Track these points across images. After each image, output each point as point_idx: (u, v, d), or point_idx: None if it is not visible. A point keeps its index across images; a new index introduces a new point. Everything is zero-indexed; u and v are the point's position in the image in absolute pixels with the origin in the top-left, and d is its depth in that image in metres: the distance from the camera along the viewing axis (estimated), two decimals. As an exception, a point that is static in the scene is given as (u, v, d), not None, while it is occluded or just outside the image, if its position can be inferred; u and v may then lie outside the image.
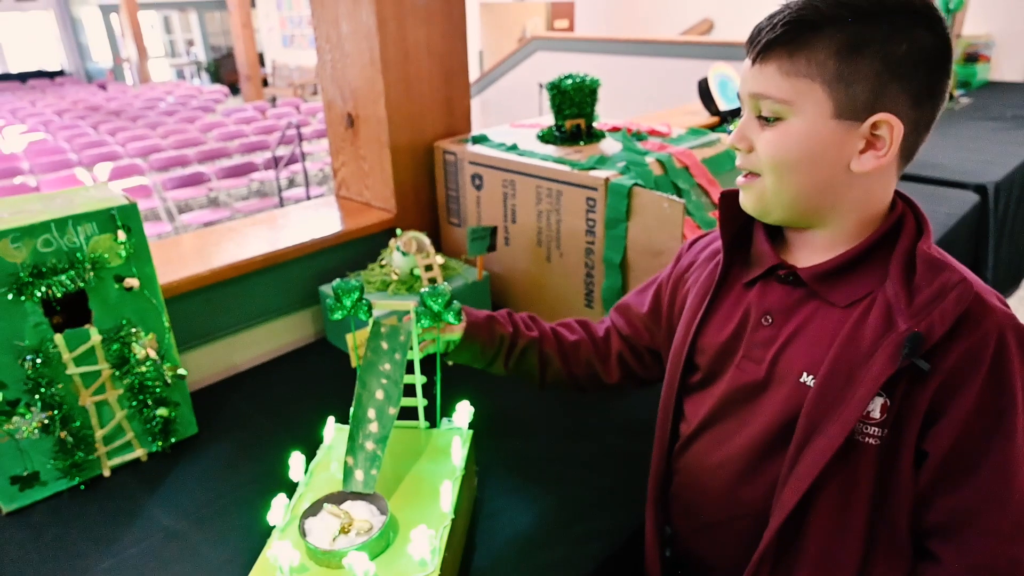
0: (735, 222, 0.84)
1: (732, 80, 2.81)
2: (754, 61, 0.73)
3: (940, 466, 0.70)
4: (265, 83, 13.38)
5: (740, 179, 0.79)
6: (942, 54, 0.69)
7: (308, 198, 6.25)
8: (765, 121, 0.73)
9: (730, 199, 0.83)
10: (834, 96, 0.69)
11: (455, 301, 0.96)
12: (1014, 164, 2.74)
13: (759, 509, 0.79)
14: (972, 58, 4.61)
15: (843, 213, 0.75)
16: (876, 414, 0.70)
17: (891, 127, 0.69)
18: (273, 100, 10.76)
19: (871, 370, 0.69)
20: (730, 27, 7.62)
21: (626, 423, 1.25)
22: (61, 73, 15.57)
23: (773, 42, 0.70)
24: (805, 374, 0.75)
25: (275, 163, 6.66)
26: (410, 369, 0.97)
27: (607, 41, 6.61)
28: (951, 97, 3.96)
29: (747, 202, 0.79)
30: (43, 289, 1.00)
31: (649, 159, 1.44)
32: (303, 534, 0.80)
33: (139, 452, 1.17)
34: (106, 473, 1.13)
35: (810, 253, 0.79)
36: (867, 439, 0.71)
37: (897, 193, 0.78)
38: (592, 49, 6.70)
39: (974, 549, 0.70)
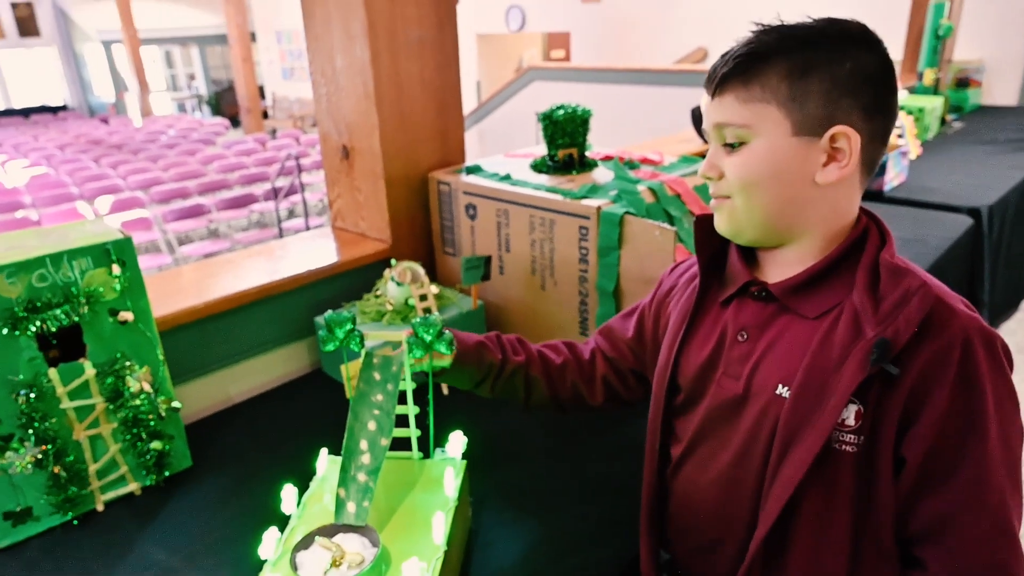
0: (711, 245, 0.88)
1: (724, 108, 2.84)
2: (713, 95, 0.79)
3: (918, 471, 0.71)
4: (265, 115, 13.53)
5: (713, 202, 0.83)
6: (884, 71, 0.75)
7: (307, 228, 6.29)
8: (730, 148, 0.78)
9: (705, 223, 0.87)
10: (791, 115, 0.74)
11: (447, 331, 0.96)
12: (1008, 187, 2.77)
13: (750, 524, 0.80)
14: (963, 83, 4.68)
15: (811, 228, 0.79)
16: (851, 421, 0.72)
17: (848, 138, 0.73)
18: (273, 132, 10.87)
19: (843, 378, 0.71)
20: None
21: (621, 450, 1.24)
22: (64, 108, 15.76)
23: (728, 75, 0.76)
24: (780, 386, 0.77)
25: (275, 194, 6.71)
26: (403, 399, 0.97)
27: (603, 71, 6.70)
28: (943, 122, 4.01)
29: (720, 223, 0.83)
30: (38, 324, 1.01)
31: (641, 187, 1.46)
32: (294, 568, 0.80)
33: (133, 486, 1.16)
34: (99, 507, 1.13)
35: (781, 269, 0.82)
36: (844, 447, 0.73)
37: (860, 208, 0.81)
38: (588, 78, 6.79)
39: (958, 554, 0.71)
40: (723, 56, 0.78)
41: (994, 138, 3.69)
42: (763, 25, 0.78)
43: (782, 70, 0.74)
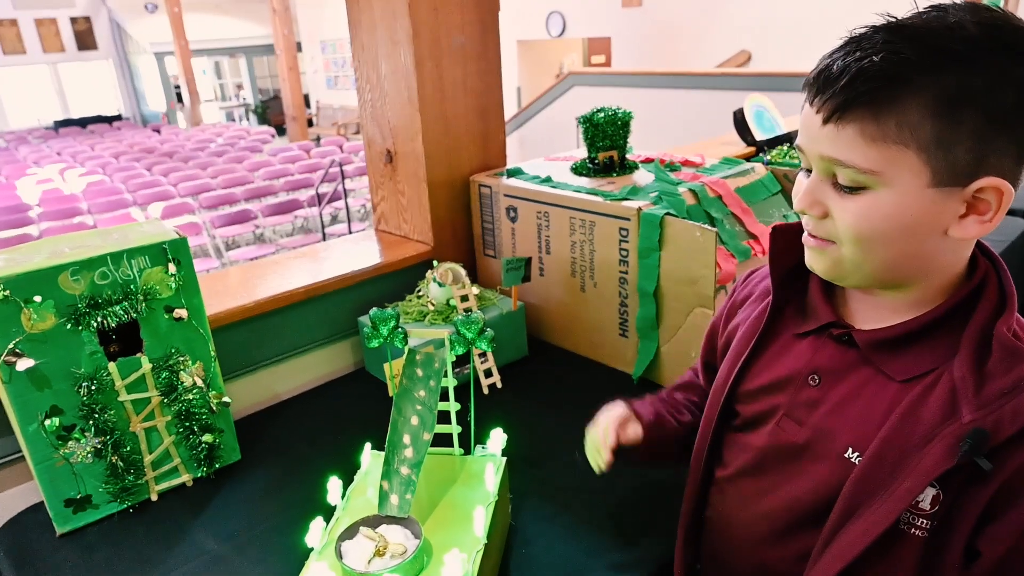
0: (787, 261, 0.76)
1: (768, 110, 2.81)
2: (826, 120, 0.62)
3: (993, 569, 0.63)
4: (310, 123, 13.82)
5: (810, 240, 0.70)
6: None
7: (350, 232, 6.40)
8: (843, 189, 0.64)
9: (784, 235, 0.75)
10: (931, 163, 0.59)
11: (488, 329, 0.98)
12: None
13: (785, 569, 0.75)
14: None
15: (925, 278, 0.67)
16: (926, 505, 0.64)
17: (1000, 193, 0.59)
18: (318, 139, 11.10)
19: (924, 460, 0.62)
20: (767, 59, 7.63)
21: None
22: (119, 118, 16.34)
23: (853, 101, 0.59)
24: (851, 449, 0.68)
25: (318, 200, 6.85)
26: (444, 396, 0.99)
27: (643, 75, 6.68)
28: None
29: (819, 267, 0.70)
30: (99, 319, 1.06)
31: (682, 189, 1.46)
32: (339, 556, 0.82)
33: (185, 477, 1.21)
34: (154, 497, 1.17)
35: (872, 314, 0.71)
36: (914, 530, 0.65)
37: (979, 247, 0.68)
38: (628, 83, 6.78)
39: None
40: (843, 67, 0.60)
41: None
42: (892, 21, 0.60)
43: (928, 102, 0.57)
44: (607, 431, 0.89)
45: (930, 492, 0.63)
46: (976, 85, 0.57)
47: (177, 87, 14.99)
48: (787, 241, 0.75)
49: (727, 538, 0.83)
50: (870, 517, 0.65)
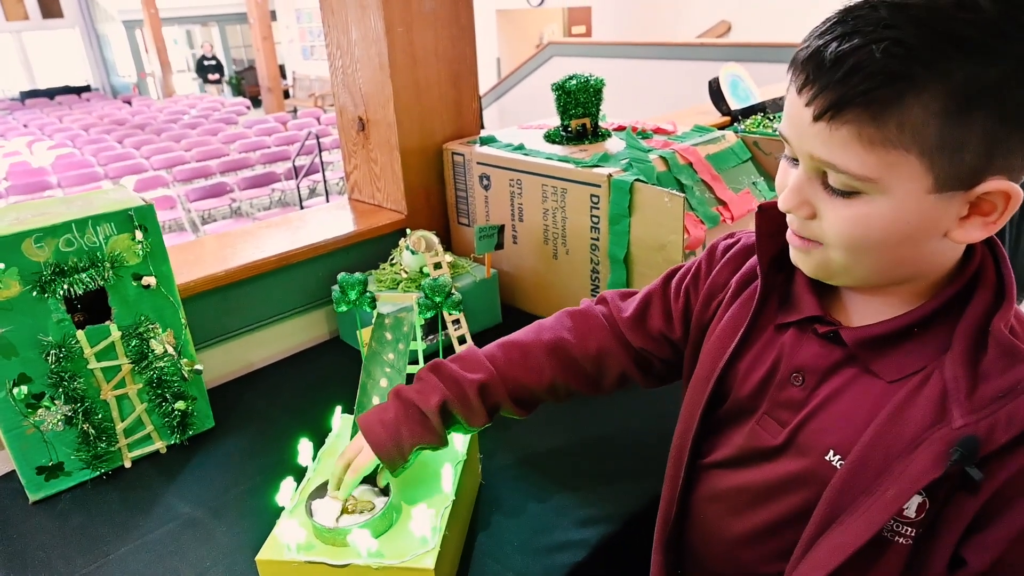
0: (775, 244, 0.70)
1: (743, 80, 2.81)
2: (818, 117, 0.55)
3: None
4: (286, 95, 13.59)
5: (795, 240, 0.65)
6: None
7: (328, 206, 6.34)
8: (834, 191, 0.58)
9: (771, 216, 0.69)
10: (934, 168, 0.53)
11: (455, 293, 0.99)
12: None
13: (763, 570, 0.73)
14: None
15: (919, 275, 0.62)
16: (912, 513, 0.60)
17: (1008, 196, 0.54)
18: (294, 111, 10.92)
19: (911, 467, 0.58)
20: (748, 29, 7.61)
21: (631, 411, 1.27)
22: (87, 88, 15.93)
23: (850, 99, 0.52)
24: (832, 452, 0.64)
25: (296, 173, 6.77)
26: (414, 359, 1.00)
27: (623, 45, 6.63)
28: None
29: (805, 267, 0.66)
30: (65, 287, 1.05)
31: (652, 156, 1.47)
32: (310, 514, 0.83)
33: (158, 444, 1.21)
34: (127, 464, 1.18)
35: (862, 309, 0.66)
36: (898, 538, 0.61)
37: None
38: (608, 53, 6.73)
39: None
40: (838, 53, 0.52)
41: None
42: (893, 0, 0.52)
43: (934, 101, 0.50)
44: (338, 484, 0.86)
45: (916, 500, 0.59)
46: (990, 79, 0.50)
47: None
48: (774, 223, 0.69)
49: (705, 532, 0.81)
50: (853, 525, 0.61)
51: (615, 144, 1.60)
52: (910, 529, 0.61)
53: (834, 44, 0.53)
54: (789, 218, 0.65)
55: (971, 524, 0.59)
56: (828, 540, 0.62)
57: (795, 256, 0.67)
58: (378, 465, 0.84)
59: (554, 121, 1.71)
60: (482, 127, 1.84)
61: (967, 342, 0.59)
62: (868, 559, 0.61)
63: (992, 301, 0.60)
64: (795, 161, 0.61)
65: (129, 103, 12.49)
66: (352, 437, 0.91)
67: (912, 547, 0.61)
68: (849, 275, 0.63)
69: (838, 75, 0.52)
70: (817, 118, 0.55)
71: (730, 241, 0.84)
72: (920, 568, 0.61)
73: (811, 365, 0.68)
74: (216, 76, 13.41)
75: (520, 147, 1.60)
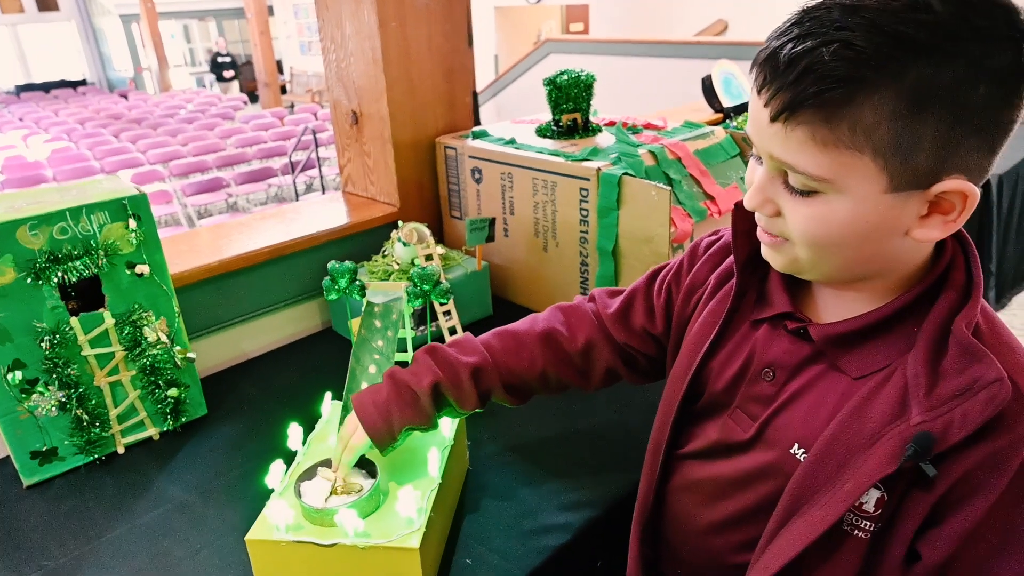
0: (751, 242, 0.71)
1: (735, 77, 2.84)
2: (774, 118, 0.56)
3: (934, 573, 0.61)
4: (284, 90, 13.58)
5: (764, 236, 0.66)
6: (1021, 71, 0.52)
7: (324, 201, 6.35)
8: (794, 191, 0.59)
9: (747, 213, 0.68)
10: (889, 168, 0.54)
11: (444, 282, 1.01)
12: (1019, 157, 2.74)
13: (730, 565, 0.75)
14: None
15: (887, 272, 0.63)
16: (870, 507, 0.61)
17: (965, 196, 0.55)
18: (291, 107, 10.92)
19: (868, 462, 0.59)
20: (745, 28, 7.63)
21: (617, 401, 1.29)
22: (83, 83, 15.90)
23: (802, 100, 0.53)
24: (797, 446, 0.66)
25: (292, 168, 6.78)
26: (402, 347, 1.02)
27: (620, 43, 6.65)
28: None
29: (775, 263, 0.67)
30: (59, 274, 1.07)
31: (641, 151, 1.49)
32: (298, 495, 0.85)
33: (151, 431, 1.23)
34: (120, 450, 1.20)
35: (832, 306, 0.68)
36: (856, 532, 0.63)
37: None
38: (606, 51, 6.74)
39: None
40: (791, 57, 0.53)
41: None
42: (847, 2, 0.52)
43: (885, 105, 0.51)
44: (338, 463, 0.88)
45: (875, 494, 0.61)
46: (942, 81, 0.50)
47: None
48: (750, 220, 0.69)
49: (679, 522, 0.83)
50: (812, 516, 0.62)
51: (605, 139, 1.61)
52: (868, 523, 0.62)
53: (789, 46, 0.53)
54: (757, 215, 0.66)
55: (927, 519, 0.60)
56: (789, 531, 0.64)
57: (765, 252, 0.68)
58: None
59: (548, 117, 1.73)
60: (478, 123, 1.85)
61: (930, 341, 0.60)
62: (826, 551, 0.63)
63: (958, 300, 0.60)
64: (761, 160, 0.63)
65: (125, 97, 12.47)
66: (343, 418, 0.93)
67: (871, 541, 0.62)
68: (817, 271, 0.64)
69: (791, 77, 0.53)
70: (774, 119, 0.56)
71: (712, 238, 0.85)
72: (878, 562, 0.63)
73: (781, 361, 0.69)
74: (231, 73, 13.20)
75: (512, 141, 1.62)
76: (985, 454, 0.56)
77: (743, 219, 0.71)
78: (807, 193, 0.58)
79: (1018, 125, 0.56)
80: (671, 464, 0.83)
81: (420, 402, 0.86)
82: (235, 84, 13.43)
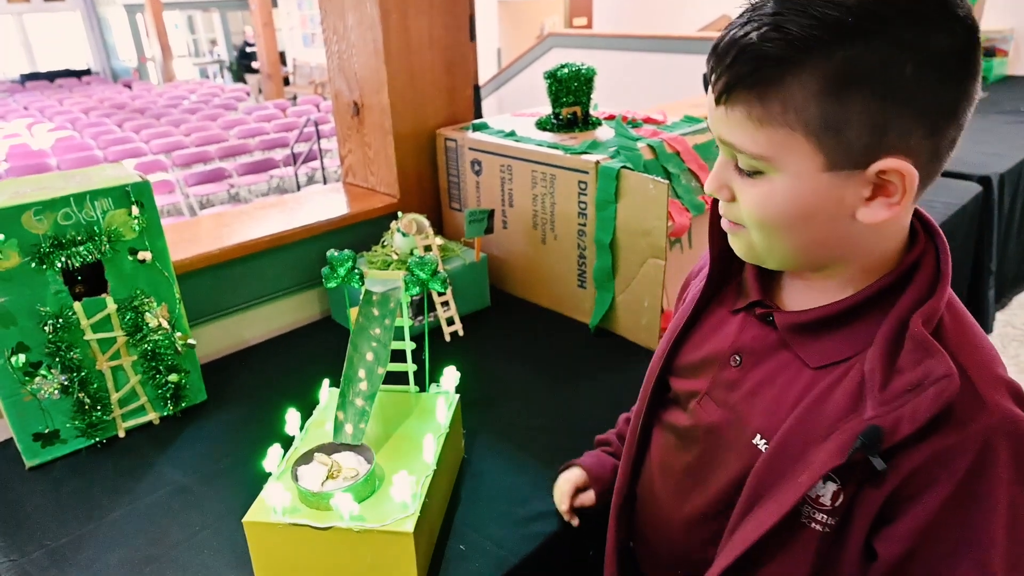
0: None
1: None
2: (717, 101, 0.59)
3: (892, 571, 0.61)
4: (286, 82, 13.56)
5: (725, 223, 0.68)
6: (967, 55, 0.54)
7: (326, 193, 6.36)
8: (744, 172, 0.62)
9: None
10: (823, 147, 0.56)
11: (441, 271, 1.02)
12: (1022, 156, 2.75)
13: (698, 555, 0.75)
14: (989, 52, 4.59)
15: (850, 260, 0.63)
16: (827, 501, 0.62)
17: (902, 175, 0.55)
18: (294, 98, 10.92)
19: (820, 454, 0.60)
20: (747, 23, 7.60)
21: (611, 392, 1.30)
22: (88, 72, 15.90)
23: (737, 81, 0.57)
24: (759, 436, 0.67)
25: (294, 159, 6.79)
26: (400, 336, 1.04)
27: (623, 37, 6.64)
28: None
29: (737, 250, 0.69)
30: (63, 259, 1.08)
31: (640, 144, 1.50)
32: (295, 479, 0.87)
33: (152, 415, 1.24)
34: (121, 434, 1.21)
35: (800, 295, 0.68)
36: (814, 524, 0.63)
37: (921, 220, 0.64)
38: (608, 46, 6.73)
39: None
40: (729, 43, 0.57)
41: (1016, 108, 3.64)
42: None
43: (813, 83, 0.54)
44: (560, 501, 0.98)
45: (831, 487, 0.61)
46: (868, 61, 0.52)
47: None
48: None
49: (651, 517, 0.85)
50: (769, 506, 0.63)
51: (605, 132, 1.62)
52: (826, 516, 0.62)
53: (730, 33, 0.57)
54: (720, 204, 0.67)
55: (882, 516, 0.60)
56: (748, 521, 0.65)
57: (730, 240, 0.69)
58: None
59: (549, 110, 1.74)
60: (479, 116, 1.86)
61: (889, 335, 0.60)
62: (783, 542, 0.64)
63: (923, 295, 0.60)
64: None
65: (129, 87, 12.47)
66: (338, 405, 0.94)
67: (829, 536, 0.63)
68: (772, 257, 0.65)
69: (727, 61, 0.57)
70: (717, 102, 0.59)
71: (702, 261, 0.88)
72: (836, 556, 0.63)
73: (748, 347, 0.70)
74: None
75: (511, 134, 1.63)
76: (934, 450, 0.56)
77: (718, 210, 0.72)
78: (753, 174, 0.61)
79: (972, 111, 0.57)
80: (646, 449, 0.85)
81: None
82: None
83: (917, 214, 0.65)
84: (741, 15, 0.58)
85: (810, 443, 0.61)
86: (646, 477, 0.85)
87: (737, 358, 0.71)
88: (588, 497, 0.98)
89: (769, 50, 0.54)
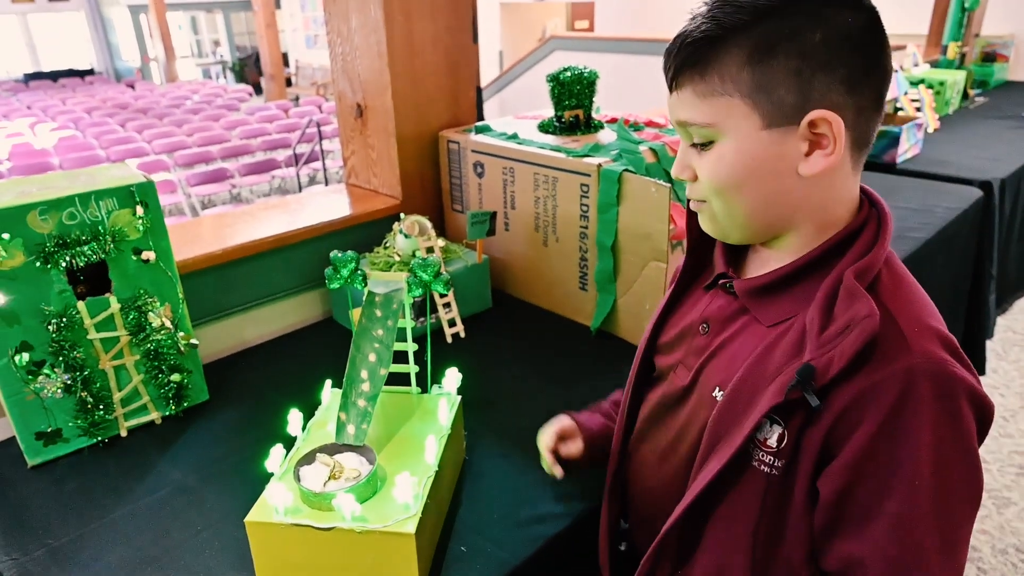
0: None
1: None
2: (671, 88, 0.71)
3: (830, 509, 0.66)
4: (289, 83, 13.58)
5: (692, 204, 0.77)
6: (869, 29, 0.65)
7: (327, 194, 6.36)
8: (699, 147, 0.71)
9: None
10: (758, 107, 0.66)
11: (444, 272, 1.03)
12: (1023, 161, 2.75)
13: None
14: (990, 57, 4.59)
15: (801, 222, 0.71)
16: (773, 443, 0.67)
17: (829, 123, 0.65)
18: (296, 99, 10.94)
19: (764, 397, 0.66)
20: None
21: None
22: (91, 72, 15.94)
23: (681, 65, 0.68)
24: (717, 389, 0.74)
25: (296, 160, 6.80)
26: (402, 337, 1.04)
27: (625, 40, 6.66)
28: (966, 96, 3.96)
29: (706, 228, 0.77)
30: (67, 259, 1.09)
31: (643, 147, 1.50)
32: (297, 479, 0.87)
33: (154, 415, 1.25)
34: (123, 433, 1.22)
35: (759, 264, 0.77)
36: (762, 466, 0.68)
37: (868, 196, 0.73)
38: (611, 49, 6.75)
39: None
40: (675, 39, 0.69)
41: (1017, 114, 3.64)
42: None
43: (741, 54, 0.65)
44: (544, 448, 0.97)
45: (776, 430, 0.67)
46: (782, 31, 0.63)
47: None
48: None
49: (640, 486, 0.89)
50: (721, 450, 0.69)
51: (607, 135, 1.63)
52: (772, 458, 0.68)
53: (677, 34, 0.69)
54: (688, 188, 0.76)
55: (822, 458, 0.66)
56: (704, 467, 0.71)
57: (700, 220, 0.78)
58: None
59: (551, 113, 1.74)
60: (481, 118, 1.87)
61: (827, 290, 0.67)
62: (735, 483, 0.70)
63: (861, 254, 0.68)
64: None
65: (132, 87, 12.49)
66: (340, 406, 0.95)
67: (778, 478, 0.68)
68: (734, 224, 0.73)
69: (674, 52, 0.69)
70: (671, 89, 0.71)
71: None
72: (786, 499, 0.69)
73: (715, 315, 0.78)
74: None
75: (514, 136, 1.64)
76: (862, 388, 0.62)
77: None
78: (705, 145, 0.70)
79: (888, 81, 0.68)
80: (633, 424, 0.91)
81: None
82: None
83: (865, 192, 0.73)
84: (681, 29, 0.69)
85: (757, 390, 0.68)
86: (634, 454, 0.90)
87: (705, 326, 0.79)
88: (575, 447, 0.97)
89: (703, 35, 0.66)
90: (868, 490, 0.63)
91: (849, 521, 0.65)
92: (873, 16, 0.65)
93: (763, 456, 0.68)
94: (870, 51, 0.65)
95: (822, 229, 0.71)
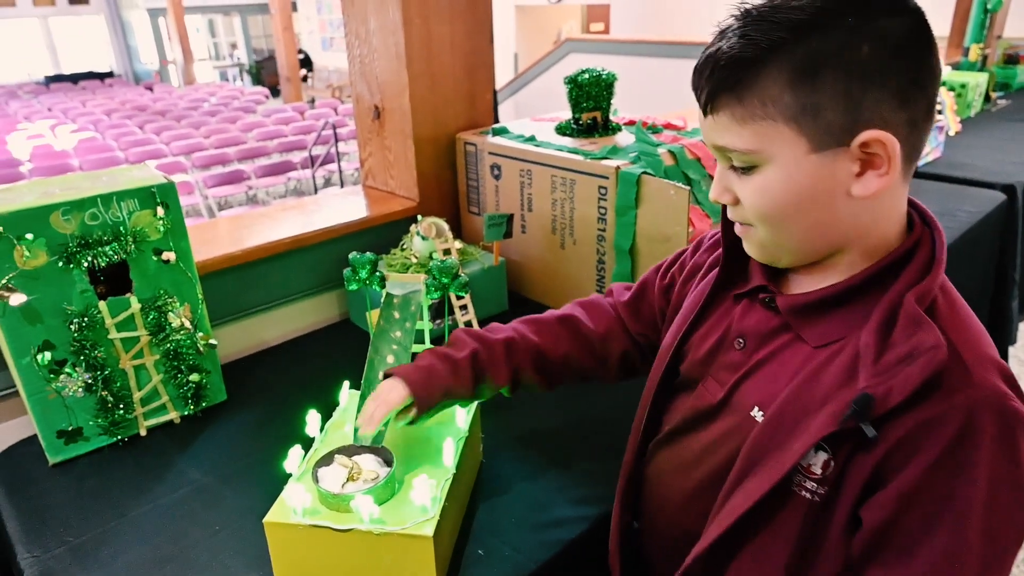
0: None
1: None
2: (704, 112, 0.66)
3: (874, 537, 0.63)
4: (305, 80, 13.67)
5: (736, 227, 0.73)
6: (916, 34, 0.60)
7: (343, 196, 6.39)
8: (740, 171, 0.67)
9: None
10: (804, 131, 0.61)
11: (462, 275, 1.02)
12: (1046, 165, 2.71)
13: (697, 528, 0.76)
14: (1012, 60, 4.54)
15: (851, 242, 0.67)
16: (818, 469, 0.64)
17: (883, 144, 0.60)
18: (312, 101, 11.00)
19: (813, 423, 0.63)
20: (766, 30, 7.58)
21: (631, 399, 1.29)
22: (110, 74, 16.12)
23: (716, 89, 0.64)
24: (756, 408, 0.70)
25: (311, 162, 6.83)
26: (420, 339, 1.04)
27: (640, 43, 6.64)
28: (988, 99, 3.91)
29: (751, 251, 0.74)
30: (89, 259, 1.10)
31: (661, 150, 1.49)
32: (316, 480, 0.87)
33: (173, 414, 1.25)
34: (143, 432, 1.22)
35: (803, 280, 0.72)
36: (804, 492, 0.66)
37: (917, 210, 0.69)
38: (625, 51, 6.74)
39: None
40: (705, 57, 0.64)
41: (1039, 116, 3.60)
42: (745, 7, 0.63)
43: (782, 76, 0.60)
44: (366, 423, 0.87)
45: (822, 456, 0.64)
46: (826, 48, 0.59)
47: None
48: None
49: (658, 496, 0.86)
50: (762, 475, 0.66)
51: (625, 138, 1.62)
52: (815, 485, 0.65)
53: (706, 52, 0.65)
54: (728, 210, 0.72)
55: (869, 486, 0.63)
56: (742, 489, 0.68)
57: (744, 245, 0.74)
58: (387, 423, 0.89)
59: (567, 115, 1.74)
60: (497, 120, 1.87)
61: (884, 313, 0.63)
62: (773, 510, 0.67)
63: (917, 277, 0.64)
64: None
65: (151, 90, 12.63)
66: (359, 408, 0.95)
67: (818, 504, 0.65)
68: (783, 251, 0.69)
69: (706, 74, 0.64)
70: (705, 113, 0.66)
71: (716, 230, 0.89)
72: (824, 525, 0.66)
73: (752, 330, 0.74)
74: (304, 72, 11.99)
75: (531, 139, 1.64)
76: (922, 420, 0.59)
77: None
78: (748, 170, 0.66)
79: (938, 86, 0.63)
80: (651, 435, 0.88)
81: (460, 370, 0.90)
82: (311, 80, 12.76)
83: (914, 205, 0.69)
84: (712, 40, 0.65)
85: (804, 413, 0.64)
86: (652, 460, 0.87)
87: (741, 341, 0.75)
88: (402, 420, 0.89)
89: (739, 56, 0.61)
90: (917, 521, 0.61)
91: (892, 550, 0.62)
92: (919, 18, 0.60)
93: (805, 482, 0.65)
94: (920, 56, 0.61)
95: (872, 247, 0.67)
